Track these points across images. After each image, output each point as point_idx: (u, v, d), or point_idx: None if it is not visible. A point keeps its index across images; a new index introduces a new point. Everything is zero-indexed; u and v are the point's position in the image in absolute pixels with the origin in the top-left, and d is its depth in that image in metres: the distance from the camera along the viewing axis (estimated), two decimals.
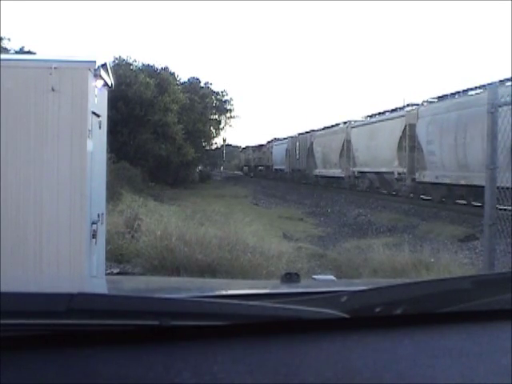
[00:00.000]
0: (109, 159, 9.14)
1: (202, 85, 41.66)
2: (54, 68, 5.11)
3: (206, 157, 45.05)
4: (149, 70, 33.43)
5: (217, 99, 43.69)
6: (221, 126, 45.10)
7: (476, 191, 16.76)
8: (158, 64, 35.58)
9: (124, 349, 0.94)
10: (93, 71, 5.29)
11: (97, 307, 0.96)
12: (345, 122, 30.78)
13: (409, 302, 1.12)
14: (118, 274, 7.96)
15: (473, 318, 1.12)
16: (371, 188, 26.80)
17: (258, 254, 8.42)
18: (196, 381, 0.86)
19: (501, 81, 14.07)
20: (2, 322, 0.90)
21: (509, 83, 13.51)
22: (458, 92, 19.36)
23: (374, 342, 1.02)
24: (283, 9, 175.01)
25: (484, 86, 17.31)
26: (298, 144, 39.29)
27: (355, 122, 29.08)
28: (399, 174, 23.06)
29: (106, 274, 6.85)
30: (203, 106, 38.52)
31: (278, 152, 45.64)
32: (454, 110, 18.64)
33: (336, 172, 30.85)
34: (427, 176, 20.61)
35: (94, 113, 5.47)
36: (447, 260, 8.76)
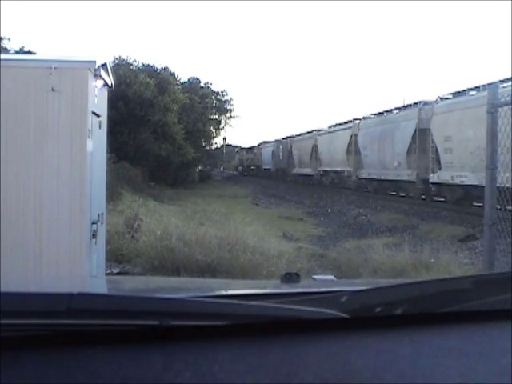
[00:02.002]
0: (109, 159, 9.14)
1: (202, 85, 41.60)
2: (54, 68, 5.11)
3: (206, 157, 44.96)
4: (149, 70, 33.38)
5: (217, 99, 43.64)
6: (221, 126, 45.09)
7: (393, 184, 24.65)
8: (158, 64, 35.55)
9: (124, 349, 0.93)
10: (93, 71, 5.29)
11: (97, 307, 0.96)
12: (313, 131, 38.27)
13: (409, 301, 1.12)
14: (117, 274, 7.96)
15: (473, 318, 1.12)
16: (332, 183, 33.33)
17: (258, 254, 8.42)
18: (196, 381, 0.86)
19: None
20: (2, 322, 0.90)
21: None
22: (384, 112, 27.05)
23: (374, 342, 1.02)
24: (283, 9, 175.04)
25: (399, 108, 25.19)
26: (281, 147, 46.77)
27: (321, 130, 36.82)
28: (348, 172, 30.24)
29: (106, 274, 6.85)
30: (203, 106, 38.46)
31: (266, 153, 52.91)
32: (378, 125, 26.29)
33: (308, 171, 38.17)
34: (364, 173, 27.92)
35: (94, 113, 5.47)
36: (447, 260, 8.77)
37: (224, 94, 44.56)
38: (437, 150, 19.51)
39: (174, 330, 0.97)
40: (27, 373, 0.86)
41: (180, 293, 1.44)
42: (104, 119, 6.21)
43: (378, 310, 1.08)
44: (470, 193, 17.72)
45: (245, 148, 69.80)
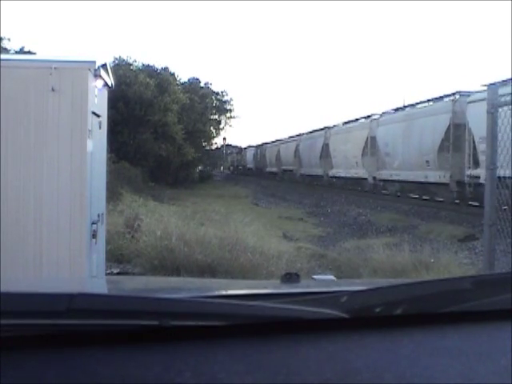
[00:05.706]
0: (109, 159, 9.14)
1: (202, 85, 41.62)
2: (54, 68, 5.11)
3: (206, 157, 45.00)
4: (149, 70, 33.42)
5: (217, 99, 43.64)
6: (221, 126, 45.13)
7: (315, 177, 37.95)
8: (158, 64, 35.61)
9: (124, 349, 0.93)
10: (93, 71, 5.30)
11: (97, 307, 0.96)
12: (278, 140, 52.40)
13: (409, 301, 1.12)
14: (118, 274, 7.97)
15: (473, 318, 1.12)
16: (291, 178, 44.14)
17: (258, 254, 8.42)
18: (196, 381, 0.86)
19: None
20: (2, 322, 0.90)
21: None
22: (313, 130, 40.24)
23: (374, 342, 1.02)
24: (283, 9, 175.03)
25: (322, 128, 37.41)
26: (259, 151, 60.55)
27: (282, 140, 50.36)
28: (295, 170, 42.93)
29: (106, 274, 6.85)
30: (203, 106, 38.47)
31: (250, 155, 66.87)
32: (309, 139, 39.97)
33: (274, 169, 51.26)
34: (302, 171, 41.15)
35: (94, 113, 5.47)
36: (447, 260, 8.77)
37: (224, 94, 44.62)
38: (331, 156, 33.84)
39: (173, 330, 0.97)
40: (27, 373, 0.86)
41: (180, 293, 1.44)
42: (104, 119, 6.21)
43: (377, 309, 1.08)
44: (346, 182, 31.62)
45: (235, 150, 79.58)
